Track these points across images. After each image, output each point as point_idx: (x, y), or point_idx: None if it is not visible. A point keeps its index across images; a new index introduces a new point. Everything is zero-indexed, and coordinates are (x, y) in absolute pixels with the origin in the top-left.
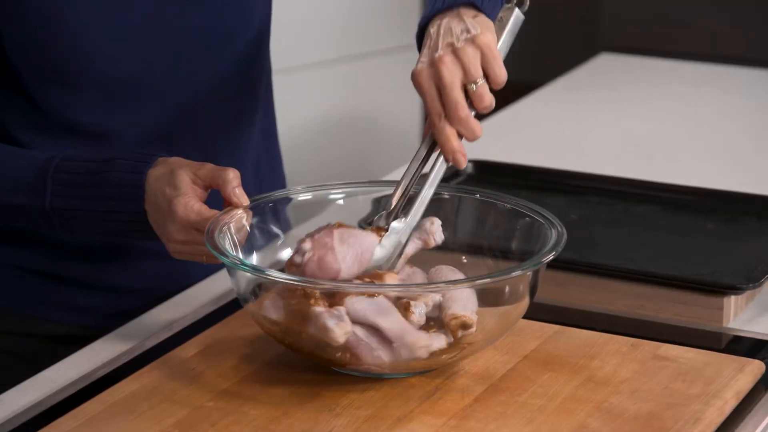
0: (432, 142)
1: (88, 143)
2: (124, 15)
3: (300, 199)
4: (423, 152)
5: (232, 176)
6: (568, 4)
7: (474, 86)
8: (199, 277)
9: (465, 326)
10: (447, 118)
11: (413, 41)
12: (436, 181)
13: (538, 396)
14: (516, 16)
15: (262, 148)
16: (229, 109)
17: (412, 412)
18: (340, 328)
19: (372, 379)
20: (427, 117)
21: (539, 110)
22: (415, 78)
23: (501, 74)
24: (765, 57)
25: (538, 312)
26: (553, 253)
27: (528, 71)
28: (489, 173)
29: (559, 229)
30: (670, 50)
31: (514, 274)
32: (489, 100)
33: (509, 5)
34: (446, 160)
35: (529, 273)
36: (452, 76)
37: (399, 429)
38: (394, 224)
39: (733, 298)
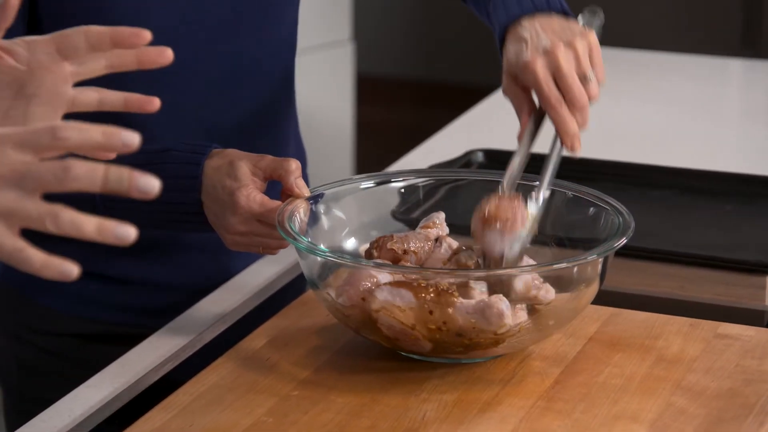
0: (534, 129)
1: None
2: (162, 13)
3: (362, 187)
4: (528, 141)
5: (295, 167)
6: None
7: (589, 75)
8: (238, 270)
9: None
10: (567, 105)
11: (344, 37)
12: (556, 167)
13: (615, 376)
14: (598, 26)
15: (296, 147)
16: (272, 106)
17: (498, 395)
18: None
19: (447, 364)
20: (529, 111)
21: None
22: (529, 66)
23: (603, 74)
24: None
25: None
26: (624, 238)
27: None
28: (501, 161)
29: (626, 216)
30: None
31: (590, 258)
32: (598, 92)
33: (590, 15)
34: (564, 144)
35: (602, 258)
36: (570, 64)
37: (490, 411)
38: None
39: None
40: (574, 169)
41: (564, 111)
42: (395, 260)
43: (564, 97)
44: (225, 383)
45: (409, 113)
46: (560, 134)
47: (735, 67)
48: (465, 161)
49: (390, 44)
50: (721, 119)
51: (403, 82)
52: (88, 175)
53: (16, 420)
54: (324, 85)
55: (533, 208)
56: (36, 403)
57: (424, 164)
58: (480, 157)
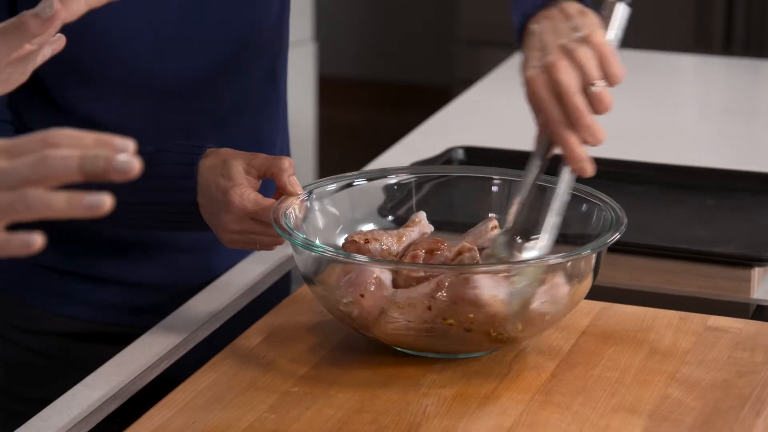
0: (546, 149)
1: None
2: (146, 10)
3: (355, 184)
4: (538, 162)
5: (288, 165)
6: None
7: (593, 88)
8: (223, 270)
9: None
10: (570, 126)
11: (306, 36)
12: (566, 197)
13: (611, 369)
14: (623, 9)
15: (283, 152)
16: (254, 109)
17: (496, 389)
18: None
19: (444, 360)
20: (543, 124)
21: (489, 97)
22: (530, 85)
23: (619, 73)
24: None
25: None
26: (618, 233)
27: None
28: (481, 158)
29: (619, 211)
30: None
31: (584, 253)
32: (609, 101)
33: (611, 5)
34: (572, 169)
35: (596, 253)
36: (570, 80)
37: (490, 405)
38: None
39: (757, 269)
40: (552, 167)
41: (566, 133)
42: (359, 251)
43: (567, 117)
44: (224, 381)
45: (370, 114)
46: (567, 157)
47: (688, 63)
48: (446, 158)
49: (351, 45)
50: (678, 115)
51: (364, 82)
52: (64, 162)
53: (1, 418)
54: (288, 82)
55: (533, 253)
56: (20, 402)
57: (402, 163)
58: (460, 154)
